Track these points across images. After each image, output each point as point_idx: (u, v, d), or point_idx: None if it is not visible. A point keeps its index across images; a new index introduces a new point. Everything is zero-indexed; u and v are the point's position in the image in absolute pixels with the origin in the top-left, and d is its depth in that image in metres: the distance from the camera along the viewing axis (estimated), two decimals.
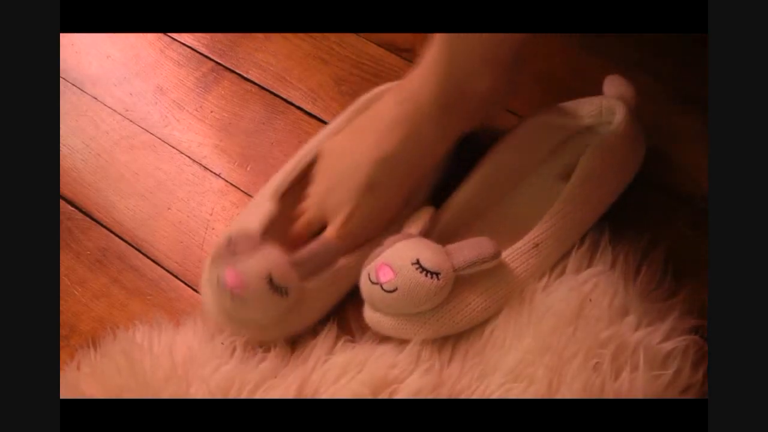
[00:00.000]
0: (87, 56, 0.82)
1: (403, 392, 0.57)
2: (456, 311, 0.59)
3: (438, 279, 0.58)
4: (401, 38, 0.80)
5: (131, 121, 0.77)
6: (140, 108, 0.78)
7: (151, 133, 0.76)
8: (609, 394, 0.55)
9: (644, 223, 0.67)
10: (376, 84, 0.73)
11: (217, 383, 0.57)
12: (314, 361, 0.59)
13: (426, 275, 0.57)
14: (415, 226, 0.62)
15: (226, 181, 0.73)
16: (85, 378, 0.60)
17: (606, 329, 0.58)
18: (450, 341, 0.60)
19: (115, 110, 0.78)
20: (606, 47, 0.78)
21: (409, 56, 0.79)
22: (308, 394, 0.57)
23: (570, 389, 0.55)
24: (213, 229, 0.70)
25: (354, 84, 0.78)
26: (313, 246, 0.62)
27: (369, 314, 0.61)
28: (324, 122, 0.75)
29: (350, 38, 0.81)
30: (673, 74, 0.76)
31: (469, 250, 0.59)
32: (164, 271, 0.68)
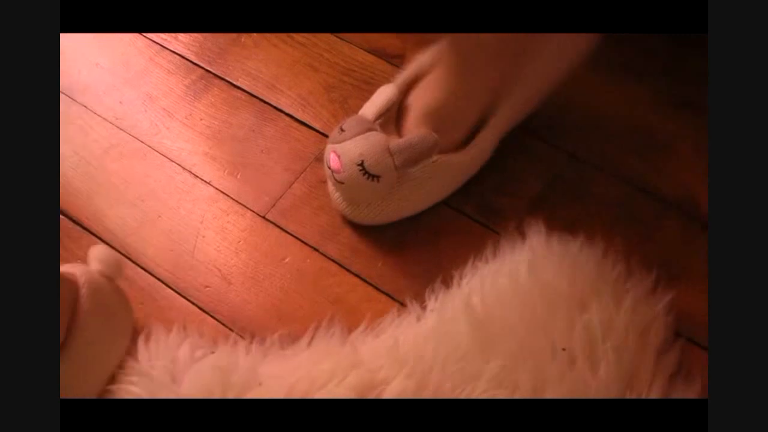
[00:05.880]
0: (76, 64, 0.82)
1: (388, 394, 0.57)
2: (401, 204, 0.64)
3: (378, 182, 0.62)
4: (391, 45, 0.81)
5: (121, 129, 0.77)
6: (130, 116, 0.78)
7: (141, 141, 0.76)
8: (591, 391, 0.56)
9: (633, 227, 0.67)
10: (366, 91, 0.73)
11: (201, 389, 0.58)
12: (301, 369, 0.59)
13: (367, 178, 0.62)
14: (373, 108, 0.66)
15: (217, 188, 0.73)
16: None
17: (593, 332, 0.58)
18: (430, 346, 0.59)
19: (104, 118, 0.78)
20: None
21: (399, 62, 0.79)
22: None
23: (555, 392, 0.56)
24: (204, 237, 0.70)
25: (344, 91, 0.78)
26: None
27: (330, 190, 0.67)
28: (314, 129, 0.76)
29: (340, 45, 0.82)
30: (659, 77, 0.77)
31: (410, 150, 0.62)
32: (155, 280, 0.68)
